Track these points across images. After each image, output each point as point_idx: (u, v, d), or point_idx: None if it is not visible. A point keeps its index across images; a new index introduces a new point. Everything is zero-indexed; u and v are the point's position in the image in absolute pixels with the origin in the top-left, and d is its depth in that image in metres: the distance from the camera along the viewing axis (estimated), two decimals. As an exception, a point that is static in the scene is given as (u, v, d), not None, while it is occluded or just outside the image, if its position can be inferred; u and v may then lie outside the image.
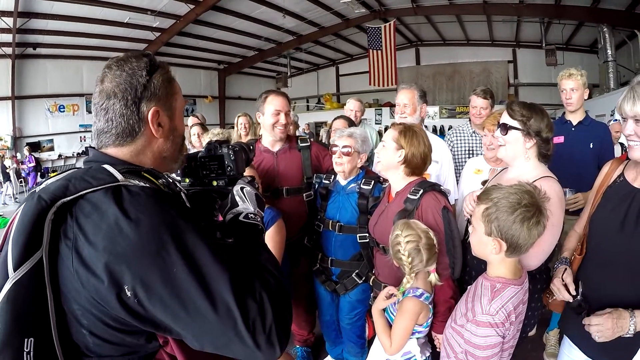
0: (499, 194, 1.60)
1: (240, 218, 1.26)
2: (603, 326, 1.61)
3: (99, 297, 0.90)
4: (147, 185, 1.01)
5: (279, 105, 2.87)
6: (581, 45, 16.27)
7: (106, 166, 1.01)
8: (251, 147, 1.55)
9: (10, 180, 13.78)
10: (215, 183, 1.41)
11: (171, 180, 1.17)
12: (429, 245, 1.96)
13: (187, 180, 1.43)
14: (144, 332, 0.98)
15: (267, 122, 2.93)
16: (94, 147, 1.14)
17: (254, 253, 1.16)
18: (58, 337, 0.91)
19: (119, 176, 0.98)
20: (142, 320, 0.92)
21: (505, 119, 2.05)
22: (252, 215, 1.28)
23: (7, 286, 0.86)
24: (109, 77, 1.09)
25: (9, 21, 11.70)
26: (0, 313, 0.85)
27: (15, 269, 0.86)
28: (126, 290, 0.88)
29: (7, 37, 12.59)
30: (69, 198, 0.92)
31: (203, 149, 1.43)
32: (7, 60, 13.78)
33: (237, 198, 1.31)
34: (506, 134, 2.02)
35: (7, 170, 13.84)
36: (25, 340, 0.86)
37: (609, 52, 12.25)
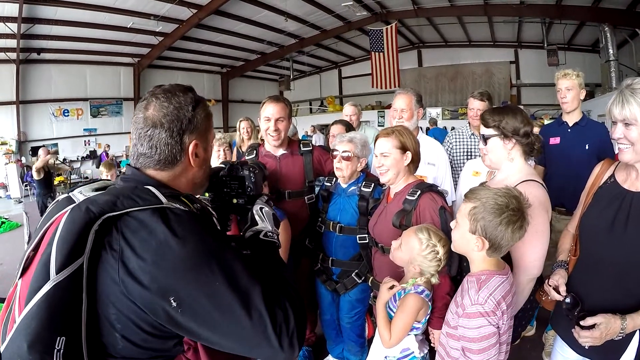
0: (487, 194, 1.65)
1: (261, 236, 1.37)
2: (591, 336, 1.64)
3: (143, 305, 0.99)
4: (187, 209, 1.10)
5: (269, 112, 2.93)
6: (583, 45, 16.27)
7: (151, 188, 1.10)
8: (263, 165, 1.66)
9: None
10: (235, 201, 1.51)
11: (204, 204, 1.26)
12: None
13: (207, 194, 1.53)
14: (174, 337, 1.09)
15: (261, 128, 3.04)
16: (132, 166, 1.22)
17: (275, 267, 1.27)
18: (86, 338, 0.97)
19: (163, 199, 1.07)
20: (180, 327, 1.01)
21: (482, 130, 2.13)
22: (270, 233, 1.39)
23: (48, 287, 0.92)
24: (155, 106, 1.17)
25: (13, 27, 11.81)
26: (37, 311, 0.91)
27: (57, 272, 0.93)
28: (172, 300, 0.98)
29: (12, 43, 12.70)
30: (115, 213, 1.01)
31: (222, 164, 1.54)
32: (11, 66, 13.88)
33: (257, 217, 1.43)
34: (486, 144, 2.09)
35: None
36: (58, 338, 0.91)
37: (611, 51, 12.27)
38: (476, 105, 3.82)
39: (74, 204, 1.04)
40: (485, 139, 2.08)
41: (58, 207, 1.09)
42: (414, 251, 2.02)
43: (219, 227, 1.24)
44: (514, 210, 1.60)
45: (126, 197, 1.04)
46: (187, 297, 0.99)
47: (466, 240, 1.70)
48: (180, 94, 1.20)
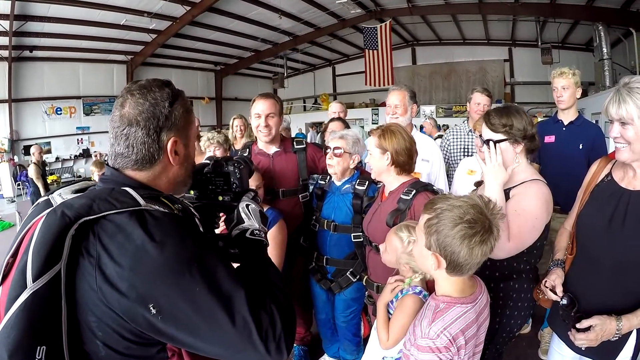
0: (443, 205, 1.45)
1: (247, 235, 1.32)
2: (587, 338, 1.64)
3: (122, 313, 0.95)
4: (167, 210, 1.06)
5: (259, 109, 2.92)
6: (577, 44, 16.32)
7: (128, 189, 1.05)
8: (249, 160, 1.60)
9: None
10: (220, 198, 1.46)
11: (186, 205, 1.22)
12: None
13: (192, 192, 1.48)
14: (157, 344, 1.06)
15: (252, 125, 3.02)
16: (111, 166, 1.17)
17: (262, 268, 1.23)
18: (68, 347, 0.94)
19: (141, 201, 1.02)
20: (162, 334, 0.98)
21: (489, 134, 1.99)
22: (257, 232, 1.34)
23: (25, 295, 0.89)
24: (130, 104, 1.12)
25: (5, 24, 11.70)
26: (16, 320, 0.88)
27: (34, 280, 0.89)
28: (151, 307, 0.94)
29: (4, 40, 12.57)
30: (91, 217, 0.96)
31: (207, 160, 1.48)
32: (3, 63, 13.73)
33: (243, 215, 1.38)
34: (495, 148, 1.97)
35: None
36: (38, 347, 0.89)
37: (605, 50, 12.32)
38: (482, 100, 3.86)
39: (50, 209, 1.00)
40: (494, 143, 1.95)
41: (37, 210, 1.05)
42: (398, 251, 1.99)
43: (201, 229, 1.20)
44: (470, 222, 1.39)
45: (102, 199, 1.00)
46: (166, 304, 0.95)
47: (424, 257, 1.52)
48: (156, 90, 1.14)
